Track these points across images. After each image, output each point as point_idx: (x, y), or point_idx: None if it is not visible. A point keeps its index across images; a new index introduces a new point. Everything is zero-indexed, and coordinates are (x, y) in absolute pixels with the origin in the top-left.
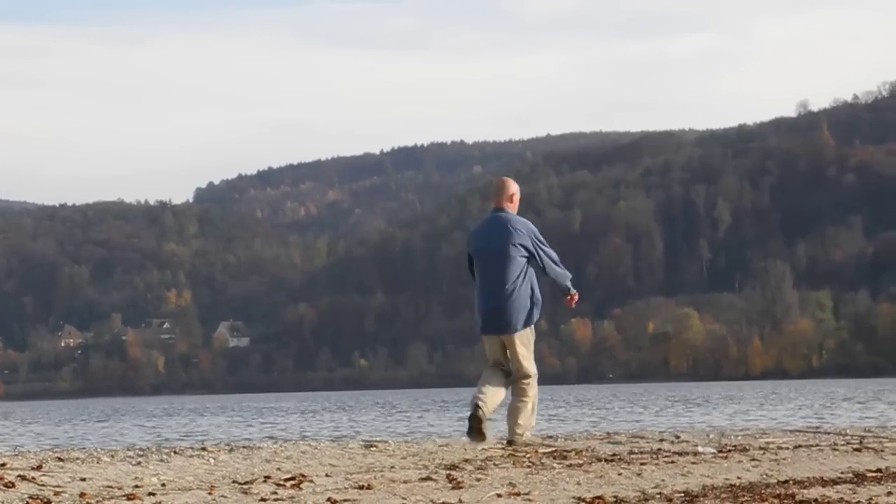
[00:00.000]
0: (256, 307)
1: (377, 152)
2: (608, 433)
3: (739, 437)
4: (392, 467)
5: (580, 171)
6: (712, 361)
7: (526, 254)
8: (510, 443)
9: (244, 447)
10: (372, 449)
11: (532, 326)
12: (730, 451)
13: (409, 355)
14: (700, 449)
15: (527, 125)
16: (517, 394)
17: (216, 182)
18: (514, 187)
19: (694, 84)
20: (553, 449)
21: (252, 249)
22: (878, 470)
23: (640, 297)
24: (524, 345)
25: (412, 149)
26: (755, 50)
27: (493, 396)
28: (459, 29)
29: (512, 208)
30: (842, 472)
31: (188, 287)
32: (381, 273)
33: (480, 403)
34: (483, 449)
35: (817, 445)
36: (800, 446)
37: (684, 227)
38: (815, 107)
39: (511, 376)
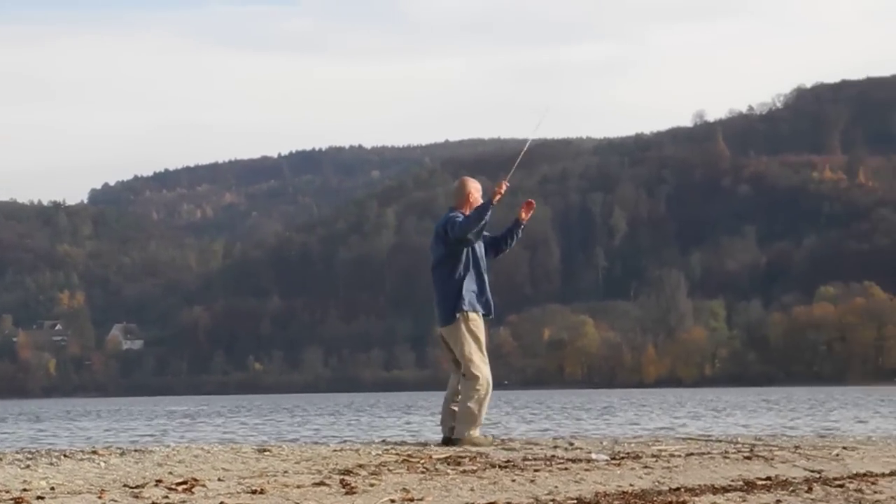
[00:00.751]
0: (151, 309)
1: (275, 155)
2: (503, 439)
3: (632, 445)
4: (286, 472)
5: (478, 178)
6: (607, 369)
7: (447, 247)
8: (448, 441)
9: (136, 450)
10: (265, 453)
11: (465, 322)
12: (623, 458)
13: (304, 359)
14: (593, 456)
15: (425, 130)
16: (463, 392)
17: (111, 183)
18: (469, 186)
19: (592, 92)
20: (447, 454)
21: (147, 251)
22: (768, 478)
23: (536, 303)
24: (456, 340)
25: (310, 152)
26: (652, 59)
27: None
28: (358, 32)
29: (468, 208)
30: (732, 480)
31: (81, 289)
32: (277, 277)
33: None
34: (377, 454)
35: (709, 453)
36: (692, 454)
37: (581, 235)
38: (711, 117)
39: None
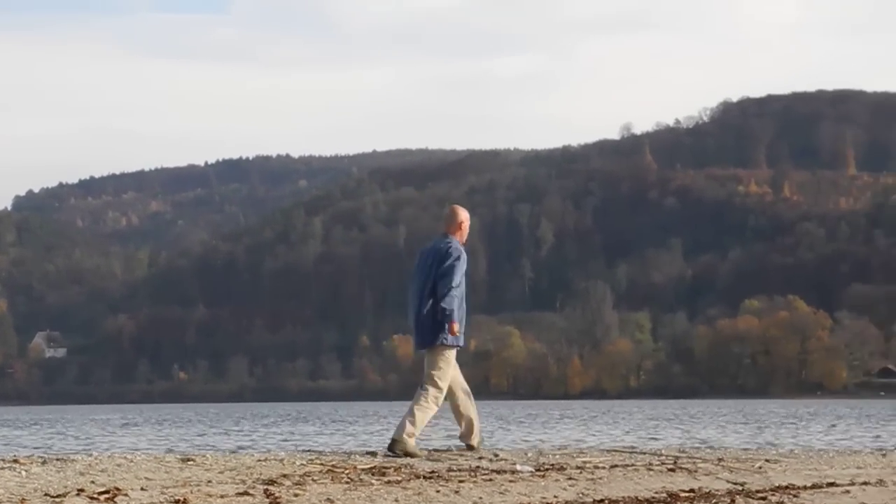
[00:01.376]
0: (75, 317)
1: (202, 164)
2: (429, 451)
3: (557, 456)
4: (209, 482)
5: (406, 188)
6: (533, 380)
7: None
8: (393, 443)
9: (58, 459)
10: (189, 463)
11: (445, 346)
12: (547, 469)
13: (229, 369)
14: (518, 467)
15: (353, 140)
16: (415, 399)
17: (36, 190)
18: (462, 216)
19: (520, 104)
20: (372, 465)
21: (72, 259)
22: (691, 490)
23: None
24: (431, 361)
25: (237, 161)
26: (580, 72)
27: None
28: (287, 41)
29: (458, 236)
30: (656, 492)
31: (4, 296)
32: (202, 285)
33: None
34: (302, 464)
35: (633, 465)
36: (616, 466)
37: (508, 246)
38: (638, 130)
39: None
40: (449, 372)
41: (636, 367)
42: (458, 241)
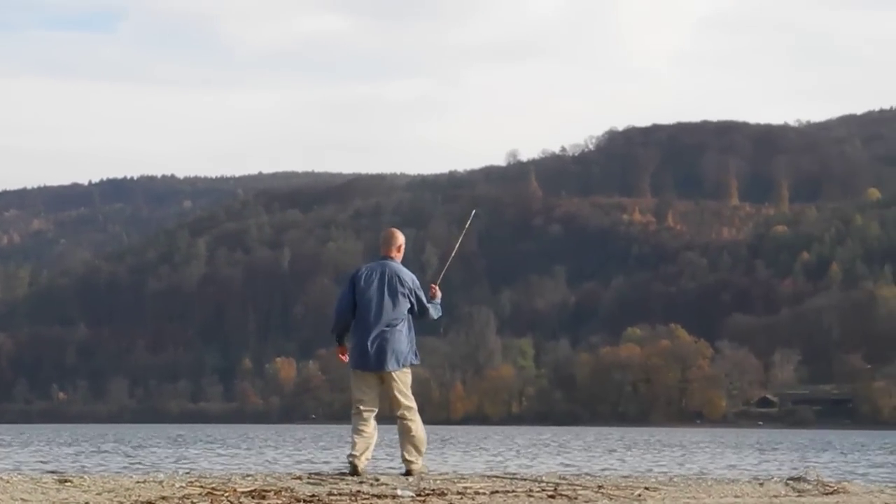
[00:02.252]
0: None
1: (85, 183)
2: (310, 474)
3: (438, 482)
4: (87, 503)
5: (291, 211)
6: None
7: (410, 302)
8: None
9: None
10: (67, 484)
11: (408, 367)
12: (428, 495)
13: (109, 389)
14: (399, 492)
15: (239, 162)
16: (403, 428)
17: None
18: (401, 238)
19: (407, 129)
20: (252, 489)
21: None
22: None
23: None
24: (403, 382)
25: (121, 181)
26: (467, 98)
27: (368, 446)
28: (174, 62)
29: (398, 258)
30: None
31: None
32: (84, 305)
33: (357, 462)
34: (181, 486)
35: (513, 491)
36: (497, 492)
37: None
38: (524, 157)
39: (390, 412)
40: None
41: (518, 393)
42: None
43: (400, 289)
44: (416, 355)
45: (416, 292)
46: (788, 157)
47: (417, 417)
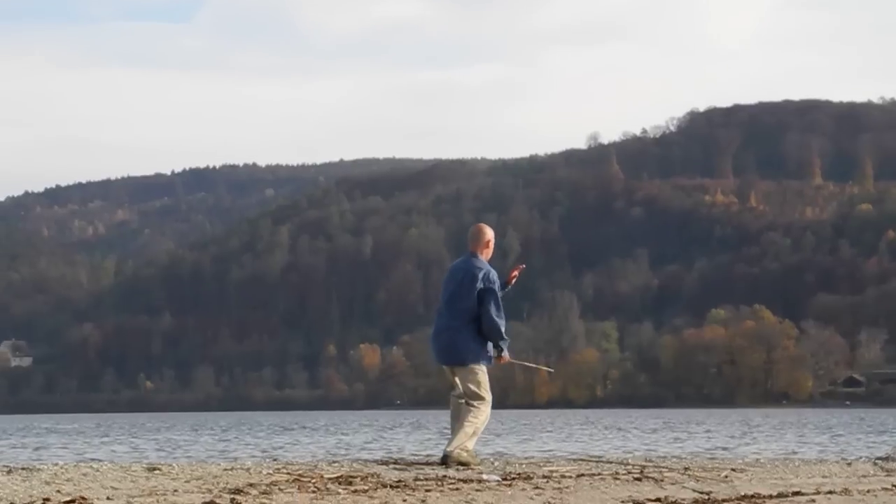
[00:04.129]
0: (40, 327)
1: (168, 173)
2: (396, 460)
3: (524, 465)
4: (175, 491)
5: (372, 197)
6: (499, 390)
7: (479, 299)
8: (445, 457)
9: (23, 469)
10: (155, 472)
11: (482, 362)
12: (514, 478)
13: (195, 378)
14: (485, 476)
15: (320, 150)
16: (464, 415)
17: (1, 199)
18: (488, 234)
19: (486, 113)
20: (338, 474)
21: (37, 268)
22: (658, 499)
23: (429, 324)
24: (468, 379)
25: (203, 170)
26: (547, 81)
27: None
28: (254, 51)
29: (486, 254)
30: (622, 501)
31: None
32: (168, 295)
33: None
34: (268, 473)
35: (599, 474)
36: (582, 475)
37: None
38: (605, 140)
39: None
40: (486, 382)
41: (602, 376)
42: (485, 259)
43: (469, 287)
44: (486, 356)
45: (483, 294)
46: (872, 135)
47: (483, 410)
